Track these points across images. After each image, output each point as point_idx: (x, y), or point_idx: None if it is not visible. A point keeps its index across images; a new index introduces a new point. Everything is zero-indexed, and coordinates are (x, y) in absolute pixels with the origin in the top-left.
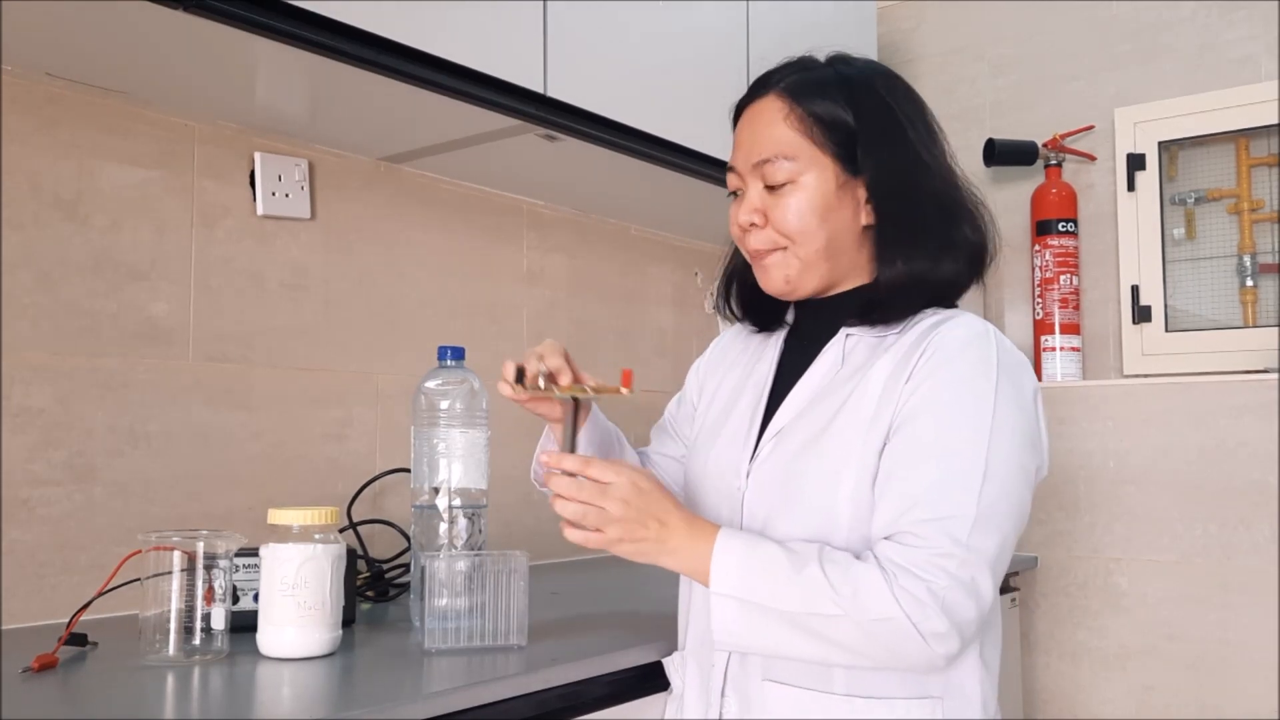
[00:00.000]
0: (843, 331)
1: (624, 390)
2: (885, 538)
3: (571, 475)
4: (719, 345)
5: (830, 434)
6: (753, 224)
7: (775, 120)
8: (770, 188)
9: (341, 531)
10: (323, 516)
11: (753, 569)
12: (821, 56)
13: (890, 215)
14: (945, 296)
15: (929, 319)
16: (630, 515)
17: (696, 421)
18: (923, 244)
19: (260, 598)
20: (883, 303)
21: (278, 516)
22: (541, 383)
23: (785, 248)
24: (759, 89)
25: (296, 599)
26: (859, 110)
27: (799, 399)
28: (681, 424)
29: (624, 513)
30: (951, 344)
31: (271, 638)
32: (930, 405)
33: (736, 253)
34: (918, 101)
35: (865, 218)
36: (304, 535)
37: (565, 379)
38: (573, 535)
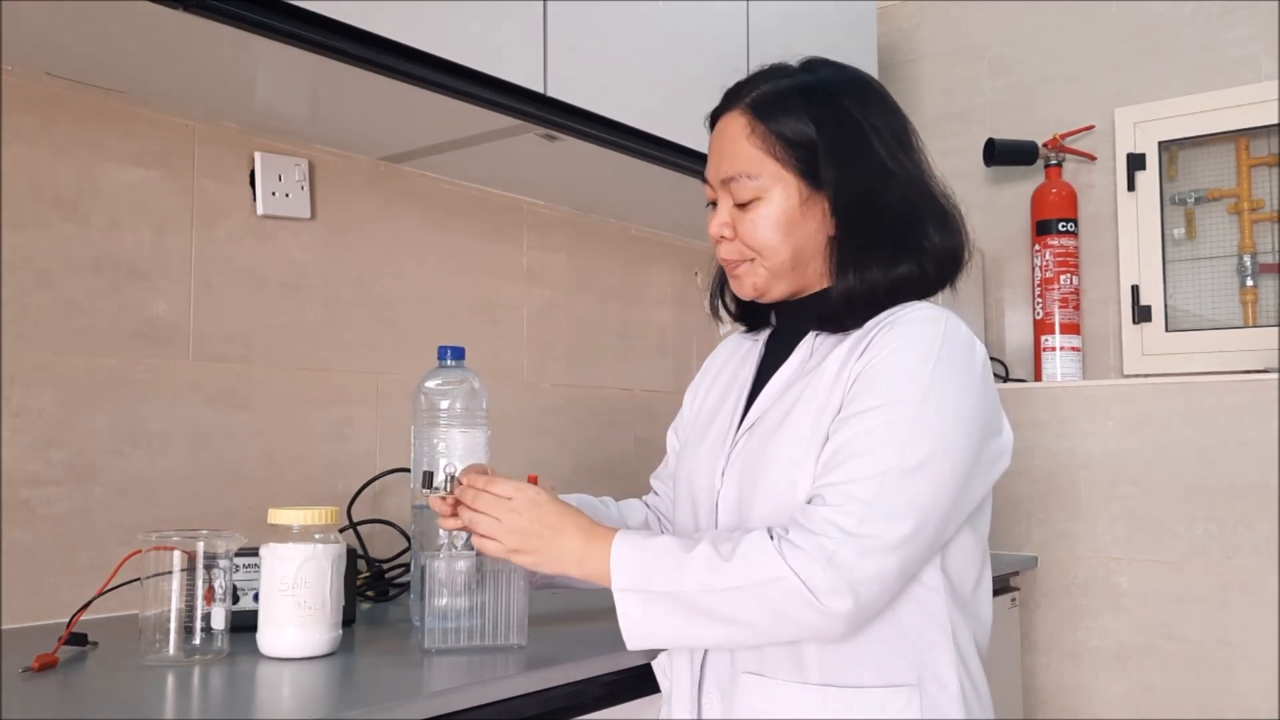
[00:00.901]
0: (812, 331)
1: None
2: (809, 498)
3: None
4: (708, 361)
5: (788, 422)
6: (723, 236)
7: (739, 138)
8: (738, 204)
9: (341, 531)
10: (323, 516)
11: (646, 560)
12: (795, 62)
13: (849, 228)
14: (904, 297)
15: (887, 311)
16: (522, 526)
17: (686, 432)
18: (879, 253)
19: (260, 597)
20: (835, 313)
21: (278, 516)
22: (448, 486)
23: (752, 259)
24: (728, 102)
25: (296, 599)
26: (821, 124)
27: (768, 396)
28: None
29: (516, 523)
30: (898, 326)
31: (271, 637)
32: (865, 379)
33: None
34: (890, 109)
35: (830, 228)
36: (304, 535)
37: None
38: (475, 544)
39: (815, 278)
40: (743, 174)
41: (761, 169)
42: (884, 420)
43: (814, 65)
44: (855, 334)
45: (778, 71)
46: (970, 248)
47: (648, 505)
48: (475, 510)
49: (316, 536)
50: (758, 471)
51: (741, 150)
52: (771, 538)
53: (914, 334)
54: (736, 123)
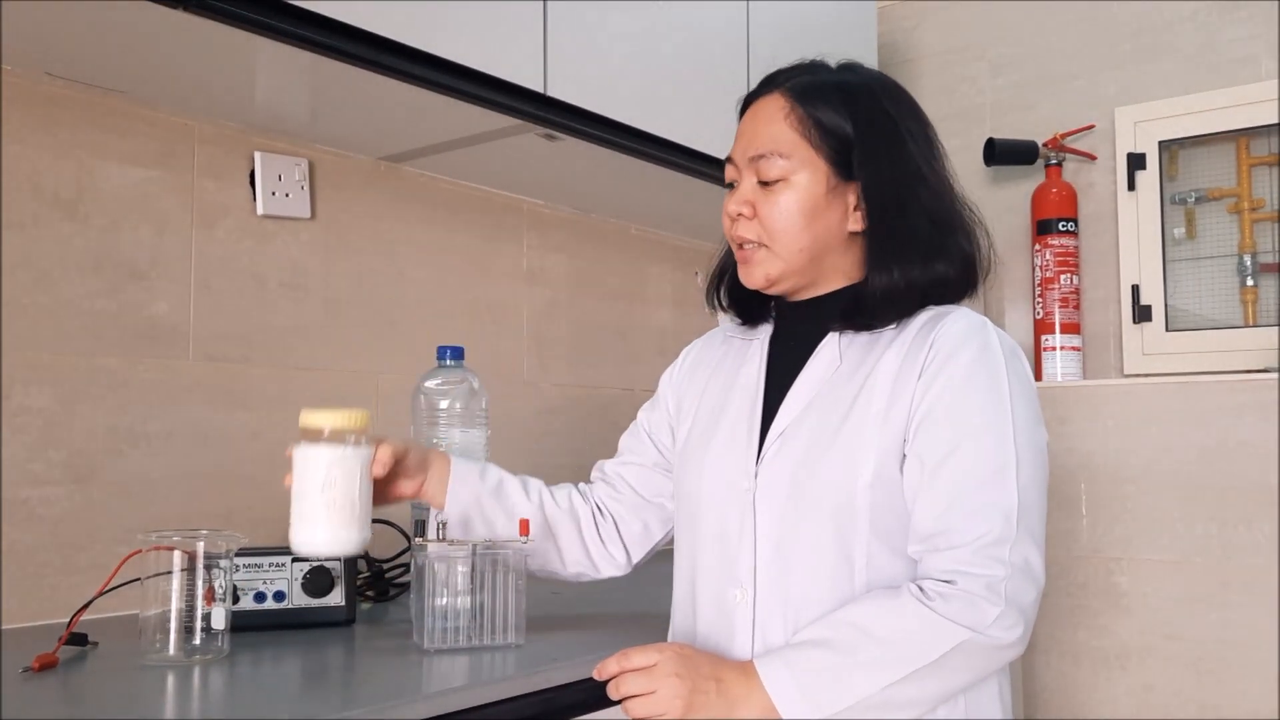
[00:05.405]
0: (834, 332)
1: (520, 538)
2: (929, 542)
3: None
4: (691, 354)
5: (844, 431)
6: (740, 214)
7: (775, 118)
8: (763, 183)
9: None
10: (352, 420)
11: (808, 682)
12: (833, 63)
13: (884, 223)
14: (938, 299)
15: (924, 314)
16: (686, 686)
17: (681, 431)
18: (914, 251)
19: (293, 499)
20: (871, 308)
21: (309, 419)
22: (440, 533)
23: (767, 245)
24: (766, 85)
25: (326, 499)
26: (859, 118)
27: (800, 398)
28: (657, 430)
29: (676, 687)
30: (956, 339)
31: (305, 536)
32: (949, 402)
33: (729, 248)
34: (921, 116)
35: (853, 224)
36: (334, 438)
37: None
38: None
39: (830, 273)
40: (774, 152)
41: (794, 150)
42: (988, 439)
43: (852, 66)
44: (899, 343)
45: (817, 66)
46: (993, 259)
47: (583, 495)
48: (626, 696)
49: (349, 439)
50: (805, 480)
51: (776, 130)
52: (925, 604)
53: (975, 347)
54: (774, 104)
